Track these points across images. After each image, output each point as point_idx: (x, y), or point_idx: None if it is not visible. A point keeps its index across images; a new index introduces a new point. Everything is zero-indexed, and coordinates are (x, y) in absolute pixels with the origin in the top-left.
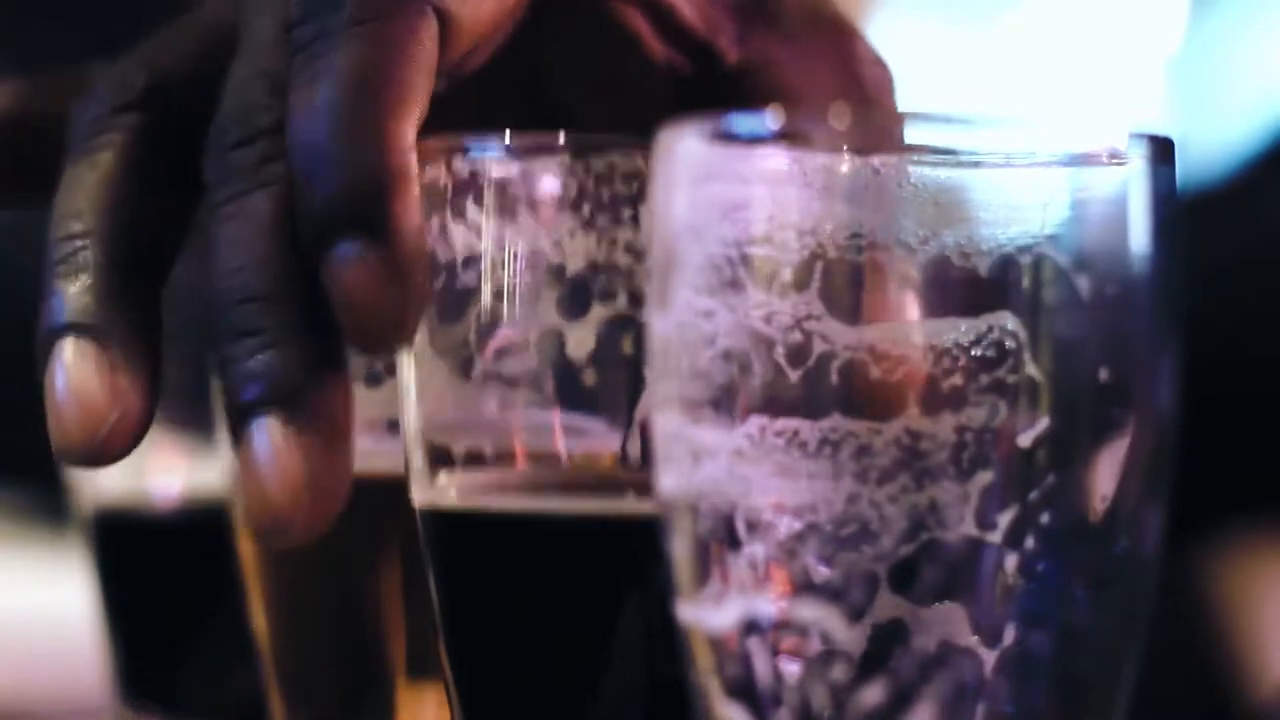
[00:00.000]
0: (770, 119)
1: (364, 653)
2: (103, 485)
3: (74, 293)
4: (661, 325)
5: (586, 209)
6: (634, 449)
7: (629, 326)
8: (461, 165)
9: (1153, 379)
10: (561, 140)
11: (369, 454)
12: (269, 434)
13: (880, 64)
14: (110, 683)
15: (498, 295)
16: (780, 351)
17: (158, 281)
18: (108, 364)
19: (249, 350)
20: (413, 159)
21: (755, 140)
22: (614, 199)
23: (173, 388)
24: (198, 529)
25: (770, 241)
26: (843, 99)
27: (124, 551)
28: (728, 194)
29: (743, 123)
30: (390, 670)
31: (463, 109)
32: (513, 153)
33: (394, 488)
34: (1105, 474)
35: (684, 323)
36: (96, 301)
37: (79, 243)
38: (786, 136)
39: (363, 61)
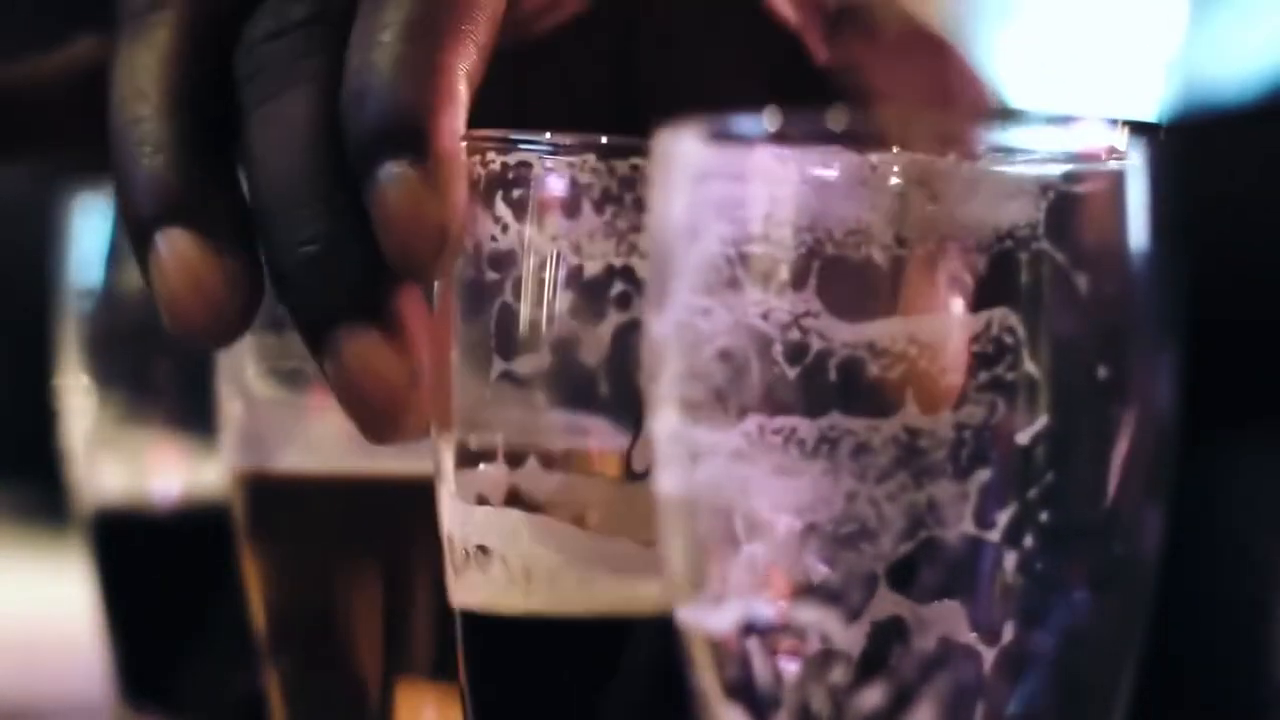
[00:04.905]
0: (768, 119)
1: (363, 653)
2: (103, 485)
3: (158, 177)
4: (659, 325)
5: (609, 212)
6: (640, 460)
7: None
8: (491, 159)
9: (1151, 377)
10: (589, 140)
11: (368, 454)
12: (358, 345)
13: (975, 79)
14: (110, 683)
15: (516, 293)
16: (778, 350)
17: (231, 153)
18: (213, 250)
19: (309, 261)
20: (461, 88)
21: (753, 139)
22: (636, 203)
23: (173, 388)
24: (198, 529)
25: (768, 240)
26: (929, 105)
27: (124, 551)
28: (726, 193)
29: (741, 122)
30: (390, 670)
31: (546, 75)
32: (540, 151)
33: (394, 488)
34: (1104, 472)
35: (682, 322)
36: (182, 185)
37: (149, 125)
38: (784, 136)
39: (428, 6)
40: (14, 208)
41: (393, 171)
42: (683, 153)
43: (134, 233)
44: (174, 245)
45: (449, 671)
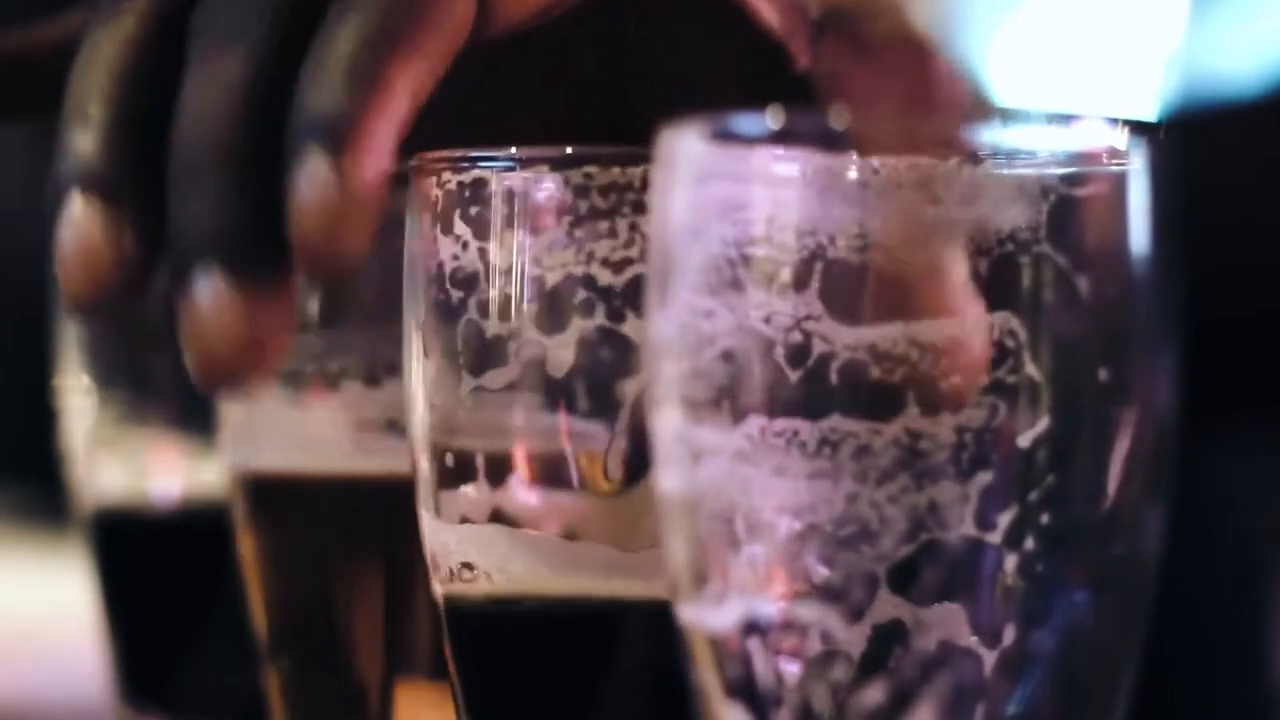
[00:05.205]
0: (770, 119)
1: (363, 653)
2: (103, 485)
3: (82, 147)
4: (661, 326)
5: (566, 222)
6: (614, 466)
7: (608, 341)
8: (447, 180)
9: (1152, 378)
10: (543, 154)
11: (368, 454)
12: (211, 287)
13: (961, 87)
14: (110, 683)
15: (481, 311)
16: (780, 352)
17: (165, 133)
18: (114, 219)
19: (198, 203)
20: (402, 103)
21: (755, 140)
22: (591, 211)
23: (172, 388)
24: (198, 529)
25: (770, 242)
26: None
27: (124, 551)
28: (727, 194)
29: (743, 123)
30: (390, 670)
31: (532, 67)
32: (495, 167)
33: (394, 488)
34: (1105, 474)
35: (684, 323)
36: (103, 155)
37: (88, 107)
38: (786, 136)
39: (387, 18)
40: (14, 208)
41: (306, 157)
42: (685, 152)
43: (50, 199)
44: (74, 209)
45: (449, 672)
